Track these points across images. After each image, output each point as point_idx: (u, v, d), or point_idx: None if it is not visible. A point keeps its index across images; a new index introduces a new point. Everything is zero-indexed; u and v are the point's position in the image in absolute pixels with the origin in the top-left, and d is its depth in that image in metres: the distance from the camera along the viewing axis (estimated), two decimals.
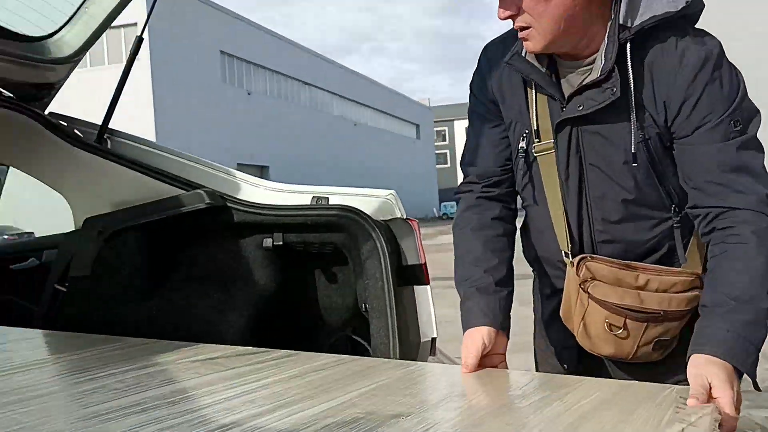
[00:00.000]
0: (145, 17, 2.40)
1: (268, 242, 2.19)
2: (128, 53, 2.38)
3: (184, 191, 2.26)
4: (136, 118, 28.99)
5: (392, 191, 2.08)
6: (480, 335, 1.59)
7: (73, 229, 2.49)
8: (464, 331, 1.64)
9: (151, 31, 29.17)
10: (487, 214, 1.69)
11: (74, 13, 2.31)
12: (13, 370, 1.77)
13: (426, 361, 1.96)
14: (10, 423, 1.32)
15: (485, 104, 1.69)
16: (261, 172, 36.91)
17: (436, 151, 70.19)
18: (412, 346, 1.93)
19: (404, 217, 2.06)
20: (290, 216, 2.14)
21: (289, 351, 1.88)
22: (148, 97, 29.52)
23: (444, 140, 78.97)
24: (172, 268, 2.38)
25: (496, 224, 1.69)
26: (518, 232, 1.83)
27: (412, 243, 1.99)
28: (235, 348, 1.96)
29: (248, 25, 36.63)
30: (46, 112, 2.43)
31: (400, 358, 1.88)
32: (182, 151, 2.40)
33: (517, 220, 1.79)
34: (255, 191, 2.27)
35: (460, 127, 79.03)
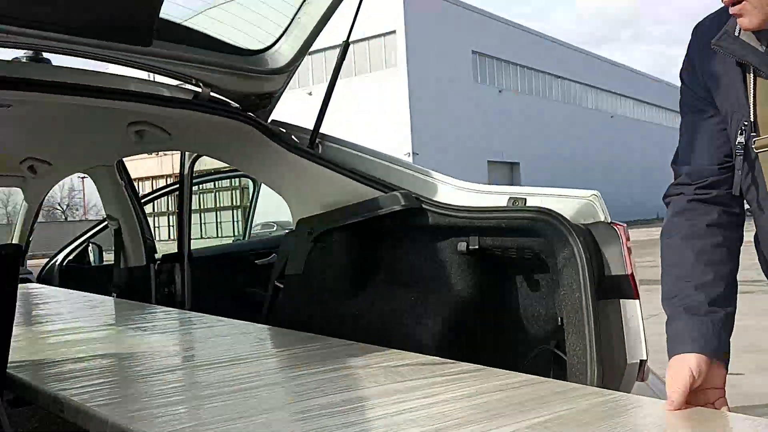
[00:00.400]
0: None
1: (462, 246, 2.09)
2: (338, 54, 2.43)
3: (382, 193, 2.25)
4: (394, 120, 30.76)
5: (595, 191, 1.84)
6: (687, 365, 1.32)
7: (291, 229, 2.63)
8: (669, 359, 1.38)
9: (408, 36, 30.68)
10: (701, 220, 1.40)
11: (288, 25, 2.43)
12: (214, 365, 1.90)
13: (630, 389, 1.69)
14: (195, 417, 1.40)
15: (696, 93, 1.40)
16: (511, 169, 36.75)
17: None
18: (615, 369, 1.69)
19: (608, 220, 1.81)
20: (484, 218, 2.01)
21: (474, 366, 1.77)
22: (405, 99, 31.03)
23: None
24: (373, 269, 2.39)
25: (712, 231, 1.40)
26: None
27: (617, 250, 1.74)
28: (424, 357, 1.90)
29: (499, 23, 36.65)
30: (269, 120, 2.60)
31: (600, 382, 1.65)
32: (384, 153, 2.40)
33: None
34: (454, 193, 2.18)
35: None
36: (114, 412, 1.47)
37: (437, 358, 1.89)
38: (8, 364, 1.76)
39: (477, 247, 2.08)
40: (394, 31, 30.76)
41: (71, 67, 2.32)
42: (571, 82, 42.25)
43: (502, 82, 37.25)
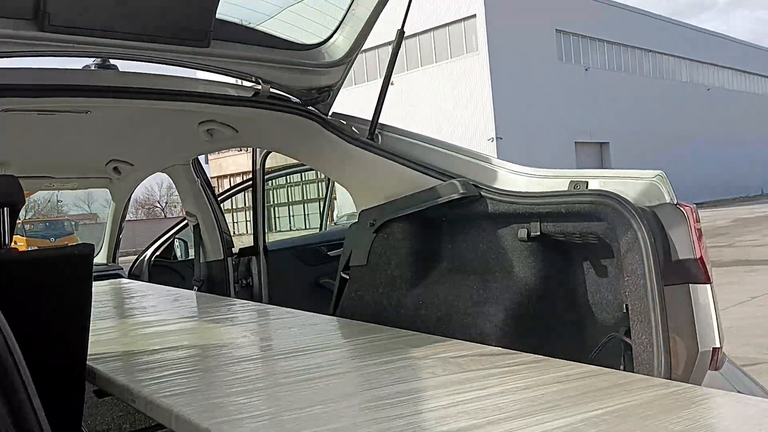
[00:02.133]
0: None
1: (522, 232, 2.03)
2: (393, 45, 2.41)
3: (441, 182, 2.22)
4: (476, 105, 30.37)
5: (660, 172, 1.74)
6: None
7: (355, 221, 2.64)
8: None
9: (488, 19, 30.15)
10: None
11: (343, 18, 2.43)
12: (281, 355, 1.94)
13: (702, 378, 1.60)
14: (248, 409, 1.43)
15: None
16: (600, 149, 35.51)
17: None
18: (685, 358, 1.59)
19: (674, 201, 1.71)
20: (544, 204, 1.94)
21: (535, 356, 1.72)
22: (486, 82, 30.55)
23: None
24: (434, 258, 2.37)
25: None
26: None
27: (685, 233, 1.64)
28: (484, 348, 1.86)
29: None
30: (330, 113, 2.61)
31: (667, 372, 1.57)
32: (443, 141, 2.37)
33: None
34: (513, 178, 2.12)
35: None
36: (178, 402, 1.52)
37: (497, 348, 1.85)
38: (91, 357, 1.85)
39: (538, 233, 2.01)
40: (474, 15, 30.27)
41: (139, 72, 2.41)
42: (663, 55, 40.29)
43: (589, 60, 35.98)
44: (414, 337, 2.05)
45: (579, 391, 1.44)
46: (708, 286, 1.63)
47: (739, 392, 1.55)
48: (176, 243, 4.73)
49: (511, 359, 1.73)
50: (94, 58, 2.26)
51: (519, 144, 29.11)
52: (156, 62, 2.24)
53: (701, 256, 1.63)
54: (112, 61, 2.29)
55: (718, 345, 1.61)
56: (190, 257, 4.73)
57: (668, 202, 1.71)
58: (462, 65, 30.36)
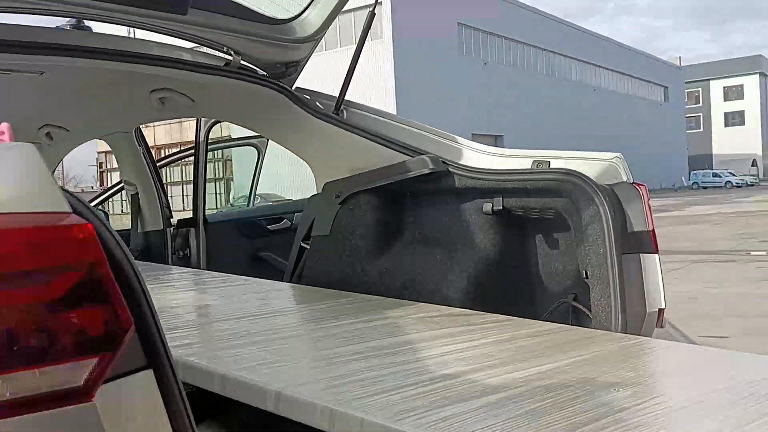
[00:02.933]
0: None
1: (487, 207, 2.22)
2: (359, 33, 2.53)
3: (410, 157, 2.36)
4: (379, 92, 30.67)
5: (618, 154, 1.97)
6: None
7: (315, 192, 2.74)
8: None
9: (393, 8, 30.47)
10: None
11: None
12: (260, 316, 2.02)
13: (651, 334, 1.85)
14: (256, 357, 1.52)
15: None
16: (495, 141, 36.87)
17: (687, 115, 64.10)
18: (637, 317, 1.83)
19: (630, 180, 1.94)
20: (510, 180, 2.13)
21: (504, 316, 1.91)
22: (390, 70, 30.93)
23: (697, 102, 71.76)
24: (400, 230, 2.51)
25: None
26: None
27: (639, 208, 1.88)
28: (454, 309, 2.03)
29: None
30: (293, 88, 2.69)
31: (622, 329, 1.80)
32: (409, 119, 2.51)
33: None
34: (477, 156, 2.30)
35: (717, 87, 71.20)
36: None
37: (466, 309, 2.03)
38: None
39: (501, 207, 2.20)
40: (380, 3, 30.48)
41: (104, 34, 2.38)
42: (556, 55, 42.29)
43: (488, 55, 37.20)
44: (383, 301, 2.18)
45: (555, 342, 1.64)
46: (656, 255, 1.87)
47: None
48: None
49: (483, 318, 1.91)
50: (68, 19, 2.22)
51: None
52: (132, 26, 2.23)
53: (652, 229, 1.87)
54: (86, 23, 2.26)
55: (663, 306, 1.86)
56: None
57: (625, 180, 1.95)
58: (366, 52, 30.45)
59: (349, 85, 2.57)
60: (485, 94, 35.56)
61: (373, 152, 2.46)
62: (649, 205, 1.89)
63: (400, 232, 2.51)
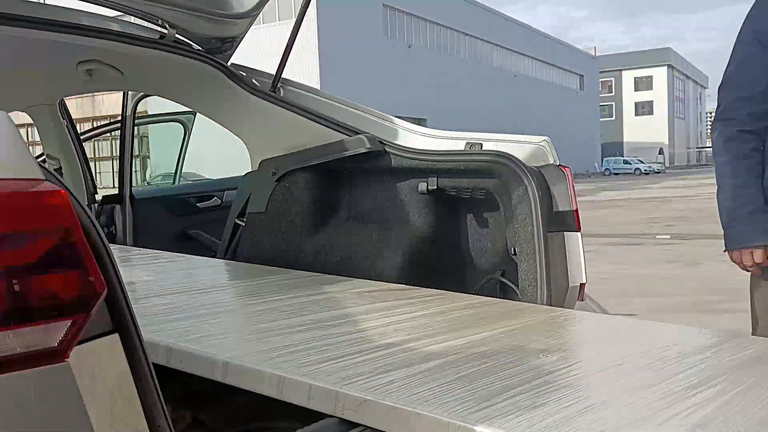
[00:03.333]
0: None
1: (422, 186, 2.30)
2: (299, 9, 2.54)
3: (347, 136, 2.41)
4: (303, 72, 30.34)
5: (546, 137, 2.09)
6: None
7: (251, 170, 2.75)
8: (739, 249, 1.93)
9: None
10: (746, 145, 1.94)
11: None
12: (199, 291, 2.04)
13: (573, 306, 1.98)
14: (200, 330, 1.55)
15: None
16: (419, 123, 37.15)
17: (601, 104, 66.67)
18: (560, 290, 1.96)
19: (557, 163, 2.07)
20: (444, 161, 2.22)
21: (437, 290, 2.00)
22: (314, 49, 30.65)
23: (610, 92, 74.71)
24: (336, 208, 2.57)
25: (753, 154, 1.93)
26: None
27: (564, 189, 2.00)
28: (389, 285, 2.11)
29: None
30: (229, 63, 2.67)
31: (547, 302, 1.92)
32: (346, 99, 2.55)
33: None
34: (412, 137, 2.37)
35: (629, 78, 74.30)
36: None
37: (401, 285, 2.11)
38: None
39: (435, 187, 2.29)
40: None
41: (29, 1, 2.30)
42: (478, 40, 42.99)
43: (412, 38, 37.40)
44: (320, 277, 2.23)
45: (487, 314, 1.74)
46: (579, 233, 2.01)
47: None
48: None
49: (418, 292, 1.99)
50: None
51: None
52: None
53: (576, 209, 2.00)
54: None
55: (584, 281, 2.00)
56: None
57: (552, 163, 2.06)
58: (290, 29, 30.11)
59: (286, 62, 2.58)
60: (409, 77, 35.80)
61: (309, 131, 2.49)
62: (573, 187, 2.02)
63: (336, 210, 2.56)
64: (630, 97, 74.54)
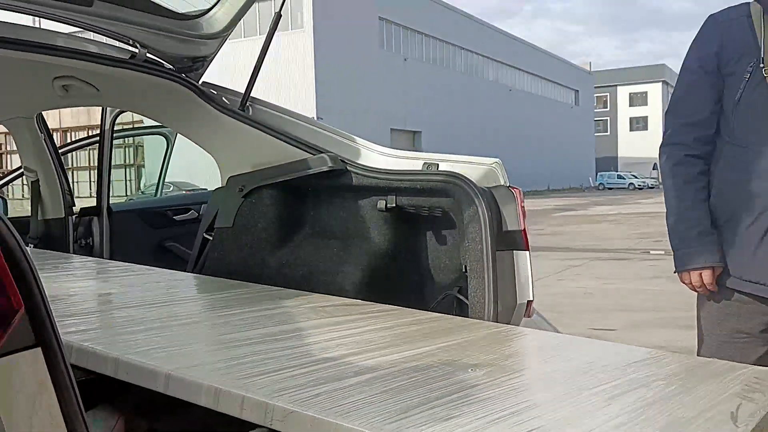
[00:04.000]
0: None
1: (382, 204, 2.37)
2: (269, 26, 2.62)
3: (311, 155, 2.49)
4: (299, 83, 30.52)
5: (497, 159, 2.16)
6: (713, 270, 2.05)
7: (220, 186, 2.82)
8: (687, 270, 2.05)
9: None
10: (693, 169, 2.06)
11: None
12: (158, 304, 2.10)
13: (519, 323, 2.05)
14: (150, 343, 1.61)
15: (706, 54, 1.97)
16: (413, 137, 37.43)
17: (596, 119, 67.08)
18: (508, 307, 2.03)
19: (507, 184, 2.14)
20: (402, 180, 2.29)
21: (390, 306, 2.06)
22: (310, 61, 30.82)
23: (605, 107, 75.19)
24: (300, 224, 2.63)
25: (700, 178, 2.06)
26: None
27: (513, 210, 2.07)
28: (345, 300, 2.17)
29: None
30: (200, 82, 2.75)
31: (495, 318, 1.99)
32: (309, 117, 2.63)
33: None
34: (374, 156, 2.45)
35: (624, 93, 74.80)
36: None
37: (358, 300, 2.17)
38: None
39: (394, 205, 2.36)
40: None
41: (5, 22, 2.38)
42: (474, 54, 43.29)
43: (408, 51, 37.65)
44: (280, 291, 2.30)
45: (431, 330, 1.80)
46: (527, 252, 2.08)
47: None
48: None
49: (371, 308, 2.05)
50: None
51: (338, 125, 29.15)
52: (37, 16, 2.24)
53: (524, 229, 2.08)
54: None
55: (531, 298, 2.07)
56: (10, 215, 4.51)
57: (503, 184, 2.14)
58: (287, 41, 30.28)
59: (254, 82, 2.66)
60: (404, 90, 36.02)
61: (276, 148, 2.57)
62: (522, 207, 2.09)
63: (300, 226, 2.63)
64: (625, 112, 75.00)
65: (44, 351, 0.93)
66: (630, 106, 74.65)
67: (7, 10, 2.19)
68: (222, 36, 2.63)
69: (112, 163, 3.69)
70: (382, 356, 1.53)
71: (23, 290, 0.89)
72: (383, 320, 1.91)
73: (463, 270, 2.14)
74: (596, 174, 61.31)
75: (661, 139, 2.13)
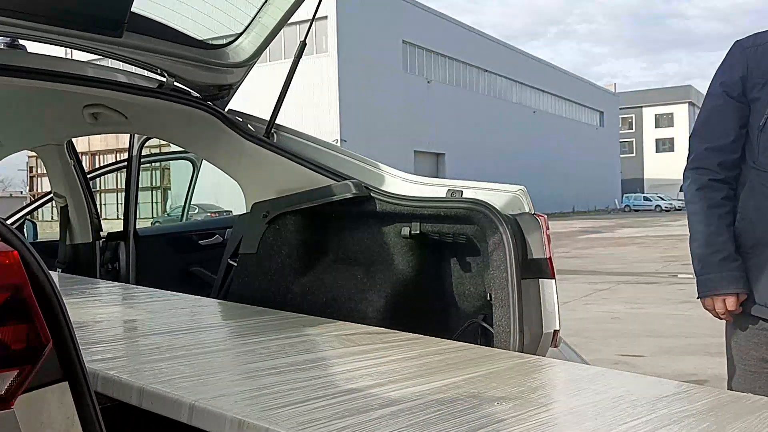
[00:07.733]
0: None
1: (405, 231, 2.36)
2: (294, 54, 2.66)
3: (335, 182, 2.50)
4: (323, 107, 30.80)
5: (522, 186, 2.15)
6: (737, 297, 2.01)
7: (245, 212, 2.84)
8: (712, 296, 2.01)
9: (339, 23, 30.70)
10: (717, 194, 2.03)
11: (249, 23, 2.63)
12: (183, 331, 2.11)
13: (546, 353, 2.02)
14: (174, 372, 1.61)
15: (732, 80, 1.97)
16: (437, 159, 37.47)
17: (621, 140, 66.61)
18: (534, 337, 2.00)
19: (532, 212, 2.12)
20: (426, 207, 2.28)
21: (414, 335, 2.05)
22: (335, 85, 31.11)
23: (630, 128, 74.66)
24: (323, 250, 2.64)
25: (725, 203, 2.02)
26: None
27: (539, 237, 2.05)
28: (369, 327, 2.16)
29: (429, 14, 37.16)
30: (226, 110, 2.79)
31: (521, 348, 1.96)
32: (333, 144, 2.64)
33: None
34: (397, 183, 2.45)
35: (649, 114, 74.29)
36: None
37: (381, 328, 2.16)
38: None
39: (418, 232, 2.35)
40: (325, 17, 30.73)
41: (38, 54, 2.44)
42: (497, 76, 43.36)
43: (431, 73, 37.85)
44: (304, 318, 2.30)
45: (456, 360, 1.78)
46: (553, 280, 2.05)
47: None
48: (26, 224, 4.56)
49: (395, 336, 2.04)
50: (2, 38, 2.27)
51: (362, 148, 29.81)
52: (68, 47, 2.30)
53: (550, 257, 2.05)
54: (21, 42, 2.31)
55: (558, 328, 2.04)
56: (40, 239, 4.59)
57: (527, 211, 2.12)
58: (311, 65, 30.64)
59: (279, 109, 2.68)
60: (428, 112, 36.14)
61: (300, 175, 2.58)
62: (548, 235, 2.07)
63: (324, 253, 2.63)
64: (651, 133, 74.41)
65: (71, 385, 0.94)
66: (656, 127, 74.07)
67: (41, 42, 2.25)
68: (248, 64, 2.67)
69: (140, 185, 3.74)
70: (406, 387, 1.51)
71: (52, 325, 0.90)
72: (407, 349, 1.89)
73: (488, 298, 2.12)
74: (622, 196, 60.68)
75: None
